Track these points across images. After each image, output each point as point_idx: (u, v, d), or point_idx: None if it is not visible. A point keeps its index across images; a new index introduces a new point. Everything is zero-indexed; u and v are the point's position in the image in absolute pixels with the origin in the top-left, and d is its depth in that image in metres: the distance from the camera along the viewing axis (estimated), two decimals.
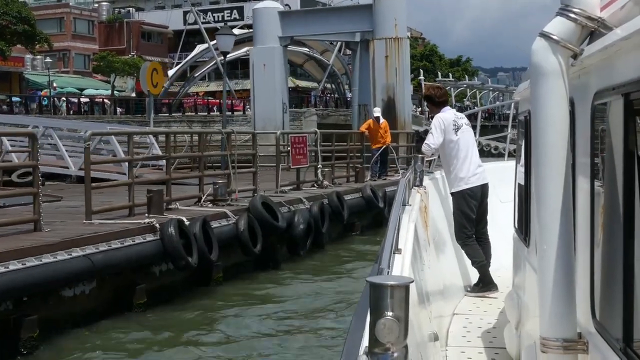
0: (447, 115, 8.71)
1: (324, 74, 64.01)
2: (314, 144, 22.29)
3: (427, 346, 4.15)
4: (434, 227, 7.50)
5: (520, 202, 5.39)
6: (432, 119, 9.05)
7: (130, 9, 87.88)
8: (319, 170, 21.78)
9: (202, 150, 17.82)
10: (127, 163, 21.55)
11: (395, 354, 2.09)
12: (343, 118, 43.64)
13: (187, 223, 14.11)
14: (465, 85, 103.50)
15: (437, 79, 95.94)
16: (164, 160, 25.27)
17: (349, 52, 50.80)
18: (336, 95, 66.47)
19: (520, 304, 5.20)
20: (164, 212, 14.88)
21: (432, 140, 8.58)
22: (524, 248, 4.99)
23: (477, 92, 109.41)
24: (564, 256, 2.96)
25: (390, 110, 32.87)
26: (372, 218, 22.23)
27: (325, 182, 21.72)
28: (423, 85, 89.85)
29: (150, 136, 26.40)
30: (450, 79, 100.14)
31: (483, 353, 6.27)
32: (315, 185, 21.55)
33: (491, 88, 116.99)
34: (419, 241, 5.29)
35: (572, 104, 3.12)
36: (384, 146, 24.16)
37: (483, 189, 8.65)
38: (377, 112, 24.85)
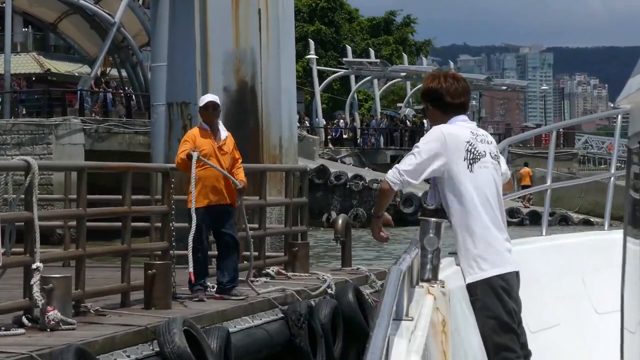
0: (458, 129, 5.65)
1: (104, 44, 39.38)
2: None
3: None
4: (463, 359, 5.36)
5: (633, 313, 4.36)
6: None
7: None
8: (35, 281, 9.57)
9: None
10: None
11: None
12: (143, 139, 29.58)
13: None
14: (404, 74, 60.83)
15: (343, 59, 61.68)
16: None
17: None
18: (130, 90, 42.40)
19: None
20: None
21: (404, 166, 5.59)
22: None
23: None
24: None
25: (245, 116, 17.59)
26: None
27: (52, 316, 9.54)
28: (315, 71, 58.48)
29: None
30: (373, 59, 60.33)
31: None
32: (16, 327, 9.47)
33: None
34: None
35: None
36: (227, 204, 11.45)
37: (517, 280, 5.92)
38: (207, 98, 11.74)
